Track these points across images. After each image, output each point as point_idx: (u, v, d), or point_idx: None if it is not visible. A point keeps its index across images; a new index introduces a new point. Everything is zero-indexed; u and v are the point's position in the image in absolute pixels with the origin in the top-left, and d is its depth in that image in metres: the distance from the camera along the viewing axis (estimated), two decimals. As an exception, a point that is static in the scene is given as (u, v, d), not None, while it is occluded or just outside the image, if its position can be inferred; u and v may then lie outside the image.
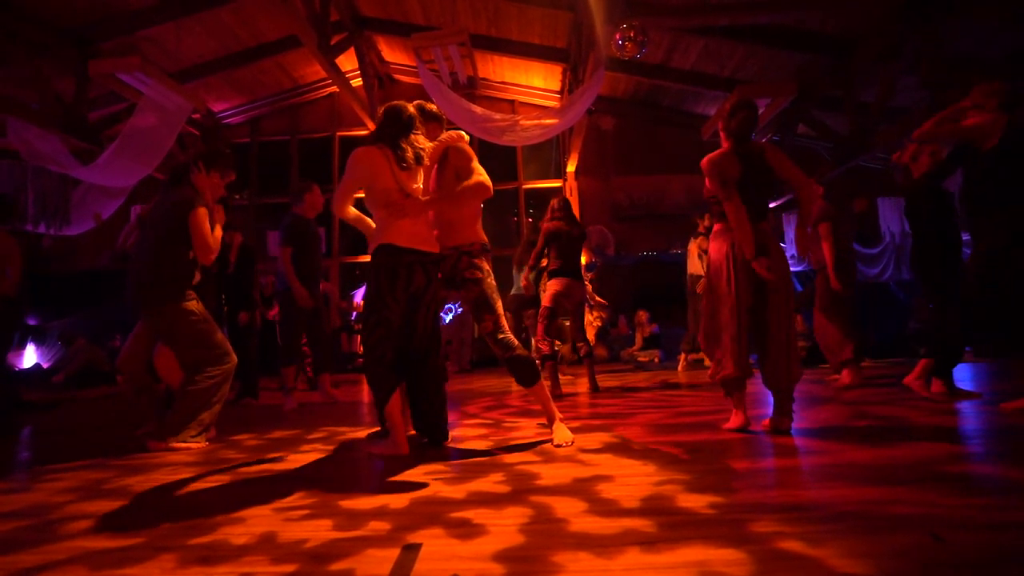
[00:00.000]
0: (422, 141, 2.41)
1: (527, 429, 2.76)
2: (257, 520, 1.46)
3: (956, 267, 3.27)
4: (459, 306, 8.09)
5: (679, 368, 6.20)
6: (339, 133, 10.49)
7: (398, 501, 1.58)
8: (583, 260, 5.14)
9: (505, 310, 2.63)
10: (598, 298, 7.30)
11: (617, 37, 5.36)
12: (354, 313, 9.36)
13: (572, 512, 1.41)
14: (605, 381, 5.13)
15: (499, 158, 9.83)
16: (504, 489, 1.67)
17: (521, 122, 6.75)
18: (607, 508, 1.43)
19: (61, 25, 6.59)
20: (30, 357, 9.80)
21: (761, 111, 6.77)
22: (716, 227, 2.53)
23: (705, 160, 2.44)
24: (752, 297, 2.38)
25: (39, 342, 10.07)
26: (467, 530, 1.32)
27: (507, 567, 1.10)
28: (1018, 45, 5.89)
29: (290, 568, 1.14)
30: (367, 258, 2.36)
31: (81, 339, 8.49)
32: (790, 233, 9.47)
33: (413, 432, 2.59)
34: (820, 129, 7.68)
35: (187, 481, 1.97)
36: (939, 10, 5.35)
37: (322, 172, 10.12)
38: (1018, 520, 1.23)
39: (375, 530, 1.34)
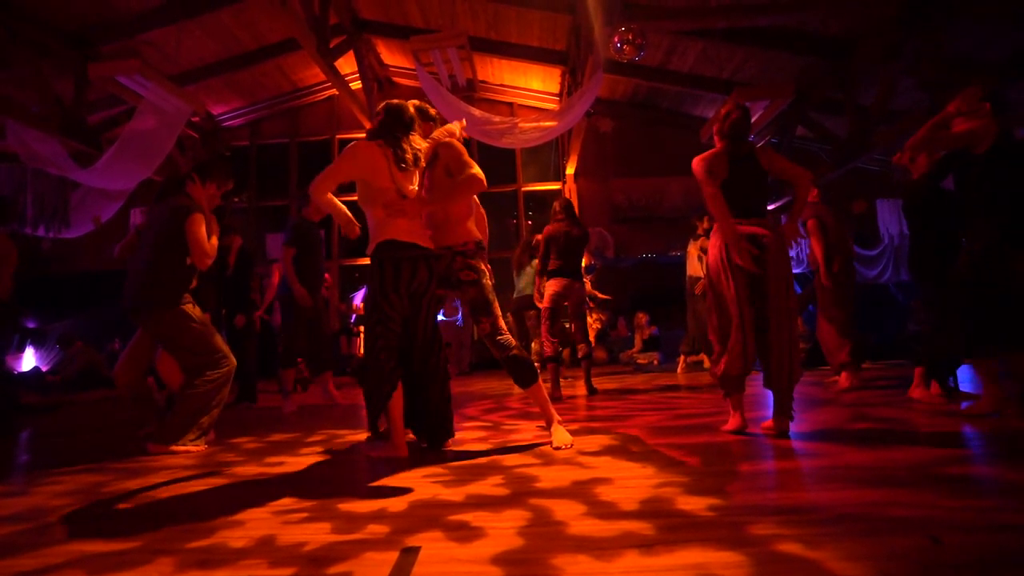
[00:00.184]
0: (418, 141, 2.41)
1: (526, 431, 2.76)
2: (256, 523, 1.46)
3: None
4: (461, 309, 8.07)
5: (678, 370, 6.20)
6: (338, 136, 10.48)
7: (397, 504, 1.58)
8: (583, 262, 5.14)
9: (506, 312, 2.63)
10: (600, 295, 7.28)
11: (616, 40, 5.36)
12: (353, 316, 9.35)
13: (571, 515, 1.41)
14: (604, 383, 5.12)
15: (498, 160, 9.82)
16: (503, 492, 1.67)
17: (520, 124, 6.75)
18: (606, 510, 1.43)
19: (61, 27, 6.60)
20: (29, 360, 9.79)
21: (760, 113, 6.80)
22: (716, 227, 2.55)
23: (695, 159, 2.51)
24: (751, 292, 2.39)
25: (38, 345, 10.07)
26: (466, 533, 1.31)
27: (506, 570, 1.10)
28: (1018, 46, 5.90)
29: (289, 571, 1.14)
30: (367, 260, 2.36)
31: (79, 342, 8.48)
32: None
33: (412, 436, 2.59)
34: (818, 131, 7.69)
35: (185, 484, 1.97)
36: (939, 11, 5.36)
37: (321, 175, 10.12)
38: (1017, 522, 1.23)
39: (374, 533, 1.34)
